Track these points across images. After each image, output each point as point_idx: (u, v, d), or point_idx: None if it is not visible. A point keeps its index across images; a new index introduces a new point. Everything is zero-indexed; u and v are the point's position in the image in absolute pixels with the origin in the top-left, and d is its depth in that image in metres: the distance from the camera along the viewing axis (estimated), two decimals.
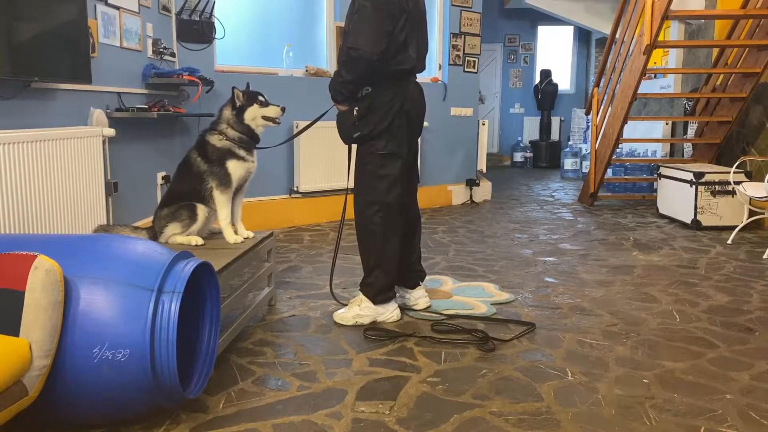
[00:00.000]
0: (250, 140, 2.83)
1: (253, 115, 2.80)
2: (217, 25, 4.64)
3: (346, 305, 2.94)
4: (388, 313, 2.88)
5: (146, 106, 3.78)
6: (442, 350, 2.55)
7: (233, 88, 2.82)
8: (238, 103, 2.79)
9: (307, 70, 5.25)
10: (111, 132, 3.25)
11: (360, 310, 2.85)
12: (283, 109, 2.87)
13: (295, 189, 5.20)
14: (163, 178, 4.25)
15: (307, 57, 5.34)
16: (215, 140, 2.79)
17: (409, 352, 2.54)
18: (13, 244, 1.85)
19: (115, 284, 1.77)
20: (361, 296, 2.88)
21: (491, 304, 3.12)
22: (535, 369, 2.37)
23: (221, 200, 2.78)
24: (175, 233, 2.76)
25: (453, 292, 3.31)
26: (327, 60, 5.44)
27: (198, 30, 4.55)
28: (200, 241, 2.75)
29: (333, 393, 2.17)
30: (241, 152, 2.80)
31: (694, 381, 2.28)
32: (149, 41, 4.05)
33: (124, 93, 3.68)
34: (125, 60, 3.72)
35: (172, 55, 4.34)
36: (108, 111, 3.46)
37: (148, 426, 1.92)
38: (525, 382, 2.26)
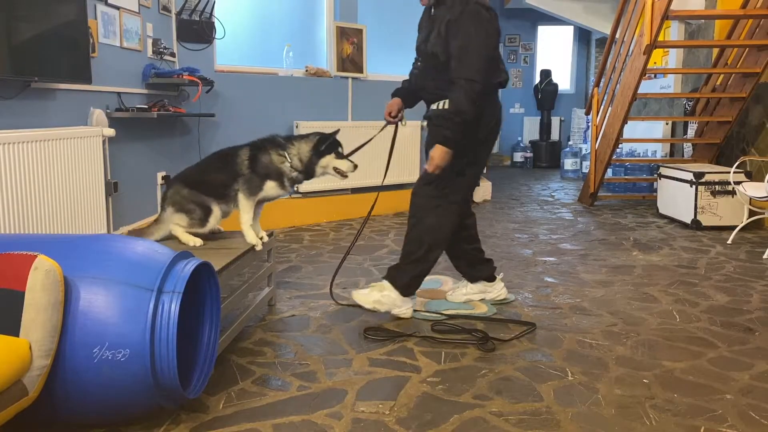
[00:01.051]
0: (303, 178, 2.83)
1: (326, 162, 2.80)
2: (217, 25, 4.64)
3: (346, 305, 2.95)
4: (405, 308, 2.91)
5: (146, 106, 3.78)
6: (442, 350, 2.55)
7: (320, 134, 2.81)
8: (321, 147, 2.78)
9: (307, 70, 5.25)
10: (111, 132, 3.25)
11: (381, 297, 2.87)
12: (355, 167, 2.87)
13: (295, 189, 5.19)
14: (163, 178, 4.25)
15: (307, 57, 5.34)
16: (275, 158, 2.76)
17: (409, 352, 2.53)
18: (13, 244, 1.85)
19: (115, 284, 1.77)
20: (386, 284, 2.89)
21: (491, 304, 3.12)
22: (535, 369, 2.37)
23: (246, 205, 2.76)
24: (178, 224, 2.73)
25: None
26: (327, 60, 5.44)
27: (198, 30, 4.55)
28: (199, 242, 2.74)
29: (333, 393, 2.17)
30: (286, 182, 2.80)
31: (694, 381, 2.28)
32: (149, 41, 4.05)
33: (124, 93, 3.68)
34: (125, 60, 3.72)
35: (172, 55, 4.34)
36: (108, 111, 3.46)
37: (148, 426, 1.92)
38: (525, 382, 2.26)
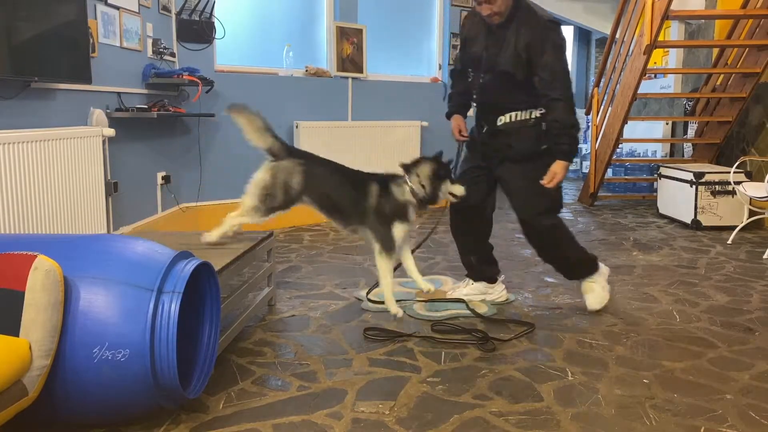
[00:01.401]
0: (428, 204, 2.82)
1: (445, 188, 2.81)
2: (217, 25, 4.64)
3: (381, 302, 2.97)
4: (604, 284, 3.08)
5: (146, 106, 3.78)
6: (442, 350, 2.55)
7: (426, 158, 2.82)
8: (441, 173, 2.78)
9: (307, 70, 5.25)
10: (111, 132, 3.24)
11: (597, 292, 3.03)
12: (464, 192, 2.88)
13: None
14: (163, 178, 4.25)
15: (307, 57, 5.34)
16: (399, 191, 2.76)
17: (409, 352, 2.53)
18: (13, 244, 1.85)
19: (115, 284, 1.77)
20: (589, 282, 3.04)
21: (491, 304, 3.12)
22: (535, 369, 2.37)
23: (386, 266, 2.77)
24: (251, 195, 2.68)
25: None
26: (327, 60, 5.44)
27: (198, 30, 4.55)
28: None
29: (333, 393, 2.17)
30: (412, 214, 2.80)
31: (694, 381, 2.28)
32: (149, 41, 4.05)
33: (124, 93, 3.68)
34: (125, 60, 3.72)
35: (172, 55, 4.34)
36: (108, 111, 3.46)
37: (148, 426, 1.92)
38: (525, 382, 2.26)
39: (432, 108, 6.12)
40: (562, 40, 2.79)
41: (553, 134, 2.77)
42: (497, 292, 3.19)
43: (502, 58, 2.77)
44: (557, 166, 2.77)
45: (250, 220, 2.72)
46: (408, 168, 2.80)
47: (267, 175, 2.70)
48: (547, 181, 2.78)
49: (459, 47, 3.13)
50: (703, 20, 6.35)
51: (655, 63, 7.01)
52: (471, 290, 3.18)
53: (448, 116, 3.14)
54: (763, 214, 4.86)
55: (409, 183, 2.75)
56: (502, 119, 2.87)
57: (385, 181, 2.78)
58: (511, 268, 3.83)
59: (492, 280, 3.19)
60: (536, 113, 2.82)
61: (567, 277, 3.13)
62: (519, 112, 2.84)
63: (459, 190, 2.83)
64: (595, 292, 3.03)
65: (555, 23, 2.78)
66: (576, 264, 3.05)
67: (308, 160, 2.79)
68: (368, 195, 2.73)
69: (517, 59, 2.73)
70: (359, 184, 2.77)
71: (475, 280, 3.19)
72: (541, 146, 2.83)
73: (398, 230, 2.74)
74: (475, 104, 3.05)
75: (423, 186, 2.75)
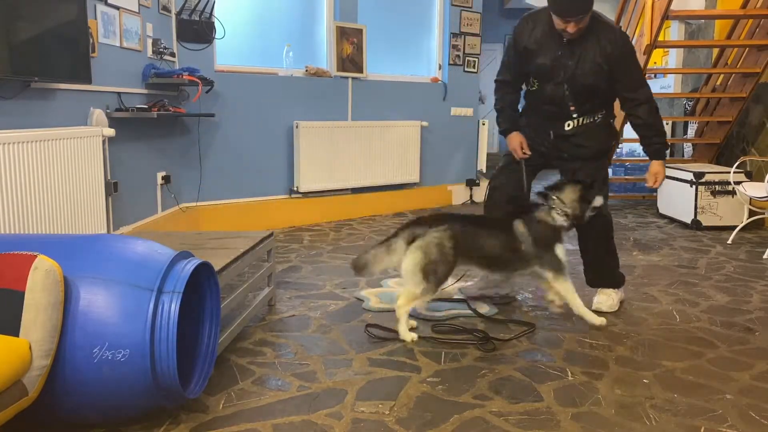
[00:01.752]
0: (574, 225, 2.87)
1: (598, 202, 2.85)
2: (217, 25, 4.64)
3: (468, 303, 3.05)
4: (618, 297, 3.11)
5: (146, 106, 3.78)
6: (442, 350, 2.55)
7: (570, 181, 2.88)
8: (588, 197, 2.81)
9: (307, 70, 5.25)
10: (111, 132, 3.24)
11: (614, 301, 3.06)
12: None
13: (295, 189, 5.20)
14: (163, 178, 4.25)
15: (307, 57, 5.34)
16: (549, 220, 2.79)
17: (409, 352, 2.53)
18: (13, 244, 1.85)
19: (115, 284, 1.77)
20: (610, 291, 3.08)
21: (492, 304, 3.12)
22: (535, 369, 2.37)
23: (568, 287, 2.82)
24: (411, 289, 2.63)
25: (453, 292, 3.30)
26: (327, 60, 5.44)
27: (198, 30, 4.55)
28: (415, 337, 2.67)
29: (333, 393, 2.17)
30: (564, 235, 2.85)
31: (694, 381, 2.28)
32: (149, 41, 4.05)
33: (124, 93, 3.68)
34: (125, 60, 3.72)
35: (172, 55, 4.34)
36: (108, 111, 3.46)
37: (148, 426, 1.92)
38: (525, 382, 2.26)
39: (432, 108, 6.13)
40: (633, 47, 2.97)
41: (645, 136, 2.95)
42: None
43: (581, 69, 2.83)
44: (656, 166, 2.96)
45: (422, 302, 2.72)
46: (547, 195, 2.83)
47: (419, 255, 2.61)
48: (653, 182, 2.98)
49: (510, 58, 3.09)
50: (703, 20, 6.35)
51: (655, 63, 7.02)
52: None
53: (505, 133, 3.13)
54: (763, 214, 4.86)
55: (556, 209, 2.78)
56: (570, 124, 2.97)
57: (526, 214, 2.81)
58: None
59: None
60: (599, 115, 2.97)
61: (597, 278, 3.11)
62: (585, 116, 2.95)
63: (599, 201, 2.87)
64: (611, 298, 3.07)
65: (625, 33, 2.94)
66: (612, 268, 3.10)
67: (448, 222, 2.72)
68: (517, 234, 2.76)
69: (598, 70, 2.81)
70: (504, 228, 2.79)
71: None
72: (610, 143, 3.11)
73: (560, 251, 2.80)
74: (529, 113, 3.11)
75: (569, 208, 2.79)
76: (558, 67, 2.86)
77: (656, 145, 2.94)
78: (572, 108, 2.92)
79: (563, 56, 2.84)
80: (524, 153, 3.07)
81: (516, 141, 3.07)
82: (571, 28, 2.73)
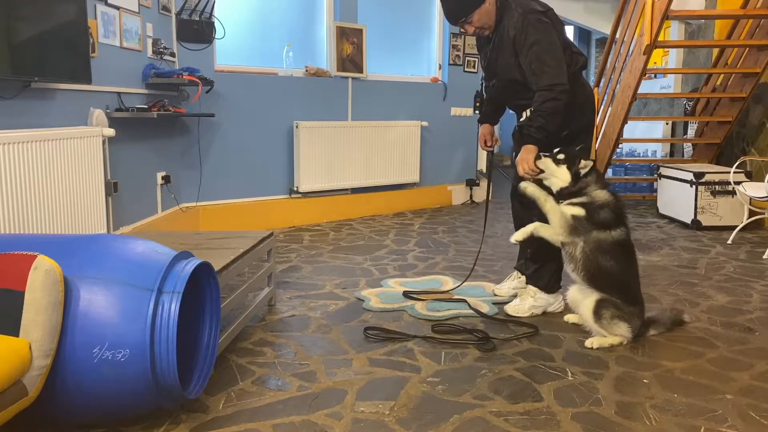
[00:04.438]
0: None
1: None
2: (217, 25, 4.64)
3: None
4: (557, 303, 3.02)
5: (146, 106, 3.78)
6: (442, 350, 2.55)
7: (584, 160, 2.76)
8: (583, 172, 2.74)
9: (307, 70, 5.25)
10: (111, 132, 3.24)
11: (534, 302, 2.97)
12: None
13: (295, 189, 5.20)
14: (163, 178, 4.25)
15: (307, 57, 5.34)
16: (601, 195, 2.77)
17: (409, 352, 2.53)
18: (13, 244, 1.85)
19: (115, 284, 1.77)
20: (534, 292, 2.99)
21: (492, 304, 3.12)
22: (535, 369, 2.37)
23: None
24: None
25: (454, 292, 3.31)
26: (327, 60, 5.44)
27: (198, 30, 4.55)
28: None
29: (333, 393, 2.17)
30: None
31: (694, 381, 2.28)
32: (149, 41, 4.05)
33: (124, 93, 3.68)
34: (125, 60, 3.72)
35: (172, 55, 4.34)
36: (108, 111, 3.46)
37: (148, 426, 1.92)
38: (525, 382, 2.26)
39: (432, 108, 6.13)
40: (546, 27, 2.66)
41: (530, 118, 2.74)
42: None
43: (500, 65, 2.81)
44: (522, 152, 2.73)
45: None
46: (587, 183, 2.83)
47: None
48: (519, 168, 2.75)
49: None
50: (703, 20, 6.35)
51: (655, 63, 7.01)
52: (518, 283, 3.20)
53: (480, 124, 3.23)
54: (763, 214, 4.86)
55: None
56: (524, 114, 2.93)
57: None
58: (511, 269, 3.83)
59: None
60: None
61: (531, 272, 3.03)
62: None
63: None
64: (527, 302, 2.97)
65: (536, 12, 2.67)
66: (546, 266, 2.97)
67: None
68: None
69: (512, 62, 2.73)
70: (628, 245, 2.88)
71: (523, 273, 3.19)
72: (563, 132, 2.80)
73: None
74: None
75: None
76: (490, 66, 2.89)
77: (531, 129, 2.70)
78: (513, 100, 2.91)
79: (491, 54, 2.85)
80: (487, 146, 3.18)
81: (480, 133, 3.23)
82: (468, 31, 2.79)
